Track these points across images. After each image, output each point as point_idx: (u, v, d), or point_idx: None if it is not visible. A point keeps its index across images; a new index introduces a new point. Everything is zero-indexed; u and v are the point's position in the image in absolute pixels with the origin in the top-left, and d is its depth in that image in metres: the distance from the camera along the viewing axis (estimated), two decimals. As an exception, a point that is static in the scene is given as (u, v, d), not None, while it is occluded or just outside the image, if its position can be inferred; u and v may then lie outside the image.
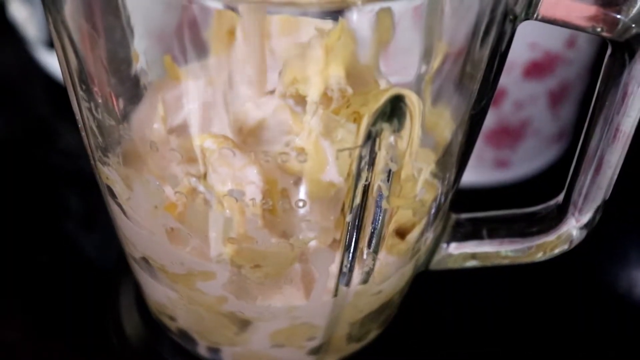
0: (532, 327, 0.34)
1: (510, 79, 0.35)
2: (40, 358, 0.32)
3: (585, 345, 0.33)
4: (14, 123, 0.43)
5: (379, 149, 0.23)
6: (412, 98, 0.22)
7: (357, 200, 0.24)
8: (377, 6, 0.20)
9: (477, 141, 0.36)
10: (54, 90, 0.43)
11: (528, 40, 0.34)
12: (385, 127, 0.23)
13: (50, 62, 0.44)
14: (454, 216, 0.29)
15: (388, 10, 0.21)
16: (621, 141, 0.25)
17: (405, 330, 0.32)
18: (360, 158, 0.23)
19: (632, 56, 0.23)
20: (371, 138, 0.23)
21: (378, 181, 0.24)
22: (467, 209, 0.30)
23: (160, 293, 0.29)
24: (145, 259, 0.28)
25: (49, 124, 0.43)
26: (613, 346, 0.33)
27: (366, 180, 0.24)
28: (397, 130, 0.23)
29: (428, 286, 0.32)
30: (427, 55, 0.23)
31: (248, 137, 0.25)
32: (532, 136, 0.38)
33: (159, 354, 0.32)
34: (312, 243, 0.25)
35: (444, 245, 0.29)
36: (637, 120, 0.24)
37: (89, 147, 0.26)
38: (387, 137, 0.23)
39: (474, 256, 0.29)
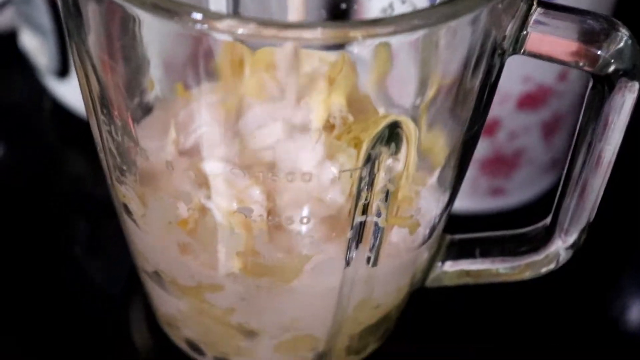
0: (525, 341, 0.35)
1: (504, 110, 0.35)
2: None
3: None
4: (24, 150, 0.43)
5: (378, 170, 0.24)
6: (408, 124, 0.24)
7: (357, 218, 0.25)
8: (376, 40, 0.21)
9: (473, 170, 0.37)
10: (64, 118, 0.43)
11: (522, 74, 0.34)
12: (384, 150, 0.24)
13: (60, 91, 0.43)
14: (448, 237, 0.30)
15: (386, 44, 0.21)
16: (603, 167, 0.26)
17: (402, 344, 0.33)
18: (361, 179, 0.24)
19: (611, 89, 0.24)
20: (370, 160, 0.24)
21: (377, 201, 0.25)
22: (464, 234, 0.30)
23: (170, 305, 0.29)
24: (157, 273, 0.28)
25: (59, 151, 0.43)
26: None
27: (365, 200, 0.24)
28: (395, 153, 0.24)
29: (425, 303, 0.33)
30: (422, 85, 0.24)
31: (256, 160, 0.26)
32: (527, 165, 0.38)
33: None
34: (315, 258, 0.26)
35: (439, 263, 0.30)
36: (617, 148, 0.25)
37: (107, 167, 0.27)
38: (385, 160, 0.24)
39: (468, 273, 0.30)
